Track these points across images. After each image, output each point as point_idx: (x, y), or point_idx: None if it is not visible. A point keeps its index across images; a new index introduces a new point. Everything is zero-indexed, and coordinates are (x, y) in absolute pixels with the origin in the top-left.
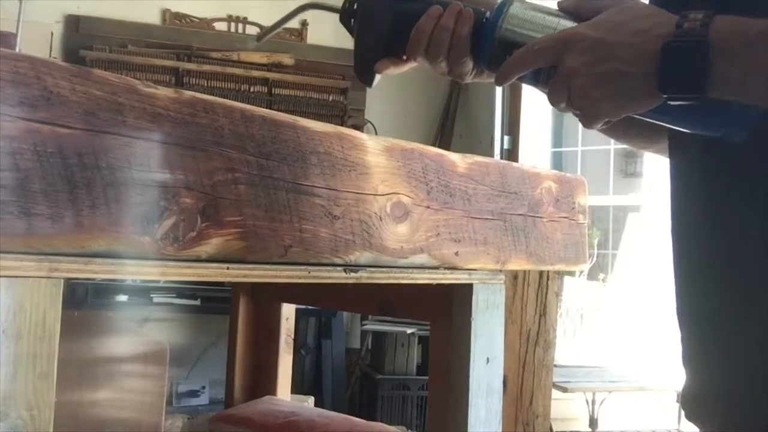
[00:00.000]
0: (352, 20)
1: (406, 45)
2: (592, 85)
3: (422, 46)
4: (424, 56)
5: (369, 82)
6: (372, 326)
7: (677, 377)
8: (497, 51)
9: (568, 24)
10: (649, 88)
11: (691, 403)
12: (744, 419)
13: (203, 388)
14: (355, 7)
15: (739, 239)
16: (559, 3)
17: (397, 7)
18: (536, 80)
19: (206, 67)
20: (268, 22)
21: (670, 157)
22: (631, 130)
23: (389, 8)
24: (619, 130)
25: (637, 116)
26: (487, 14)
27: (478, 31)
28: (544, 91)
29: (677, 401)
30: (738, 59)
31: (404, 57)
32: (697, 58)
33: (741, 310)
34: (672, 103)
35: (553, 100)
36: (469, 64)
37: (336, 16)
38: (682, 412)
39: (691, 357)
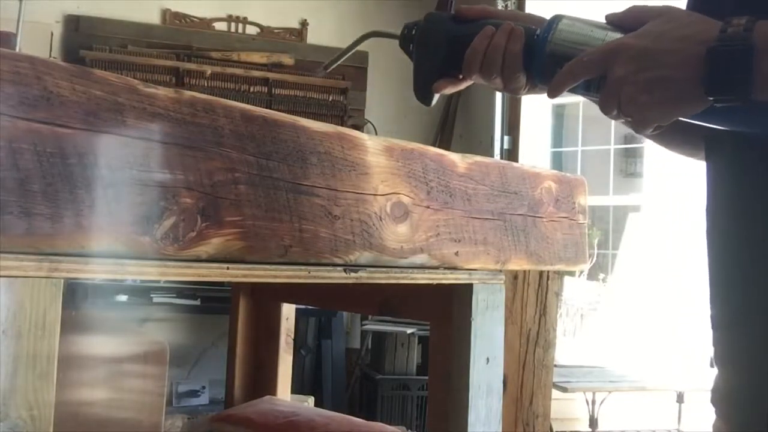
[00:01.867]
0: (411, 45)
1: (462, 65)
2: (640, 91)
3: (477, 65)
4: (479, 74)
5: (428, 102)
6: (372, 326)
7: (677, 377)
8: (549, 65)
9: (615, 36)
10: (696, 92)
11: (723, 402)
12: None
13: (203, 388)
14: (414, 32)
15: None
16: (606, 16)
17: (453, 30)
18: (587, 90)
19: (206, 67)
20: (268, 23)
21: (707, 159)
22: (677, 137)
23: (445, 32)
24: (666, 136)
25: (687, 120)
26: (538, 31)
27: (529, 47)
28: (596, 101)
29: (677, 401)
30: None
31: (460, 76)
32: (741, 61)
33: None
34: (717, 105)
35: (605, 109)
36: (523, 80)
37: (393, 42)
38: (713, 410)
39: (724, 358)
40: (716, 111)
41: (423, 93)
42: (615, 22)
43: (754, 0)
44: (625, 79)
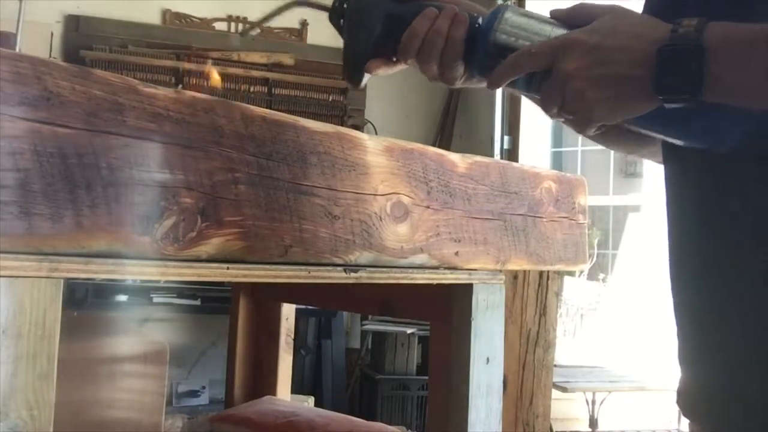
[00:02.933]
0: (341, 20)
1: (397, 46)
2: (589, 87)
3: (415, 48)
4: (415, 58)
5: (357, 82)
6: (372, 326)
7: (676, 377)
8: (491, 56)
9: (561, 32)
10: (645, 91)
11: (688, 399)
12: (739, 416)
13: (203, 388)
14: (345, 6)
15: (733, 243)
16: (551, 12)
17: (390, 8)
18: (528, 85)
19: (206, 67)
20: (268, 23)
21: (665, 162)
22: (621, 134)
23: (381, 8)
24: (611, 135)
25: (628, 126)
26: (480, 20)
27: (471, 35)
28: (535, 97)
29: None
30: (733, 63)
31: (394, 59)
32: (692, 61)
33: (734, 309)
34: (667, 105)
35: (546, 105)
36: (460, 69)
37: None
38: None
39: (687, 354)
40: (661, 117)
41: (353, 73)
42: (561, 18)
43: (712, 5)
44: (574, 74)
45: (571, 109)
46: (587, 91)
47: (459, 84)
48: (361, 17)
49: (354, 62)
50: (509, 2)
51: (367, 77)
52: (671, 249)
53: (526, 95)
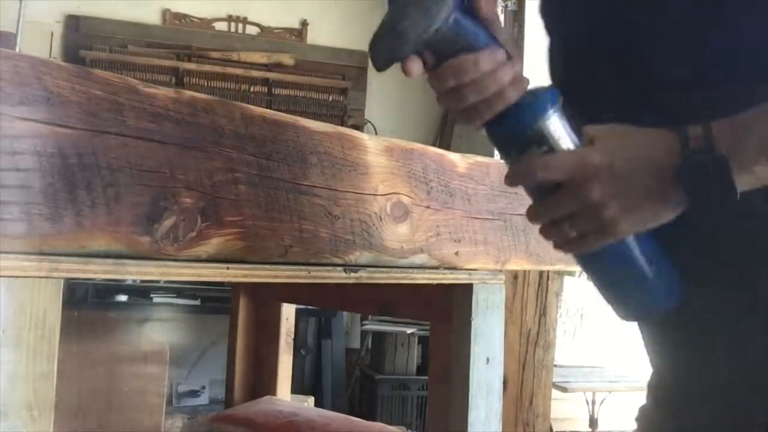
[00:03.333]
0: None
1: (445, 57)
2: (621, 213)
3: (465, 78)
4: (458, 84)
5: (384, 65)
6: (372, 326)
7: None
8: (515, 136)
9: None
10: (673, 203)
11: (660, 391)
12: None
13: (203, 388)
14: None
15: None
16: (586, 129)
17: (461, 15)
18: (533, 189)
19: (206, 67)
20: (268, 23)
21: None
22: None
23: (453, 7)
24: None
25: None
26: (530, 102)
27: (514, 107)
28: (533, 199)
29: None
30: (753, 156)
31: (430, 67)
32: (719, 175)
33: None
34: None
35: (546, 214)
36: (484, 121)
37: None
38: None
39: (655, 354)
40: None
41: (385, 53)
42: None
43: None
44: (604, 202)
45: (585, 228)
46: (620, 219)
47: (472, 126)
48: (430, 3)
49: (395, 47)
50: (508, 3)
51: (394, 65)
52: None
53: (529, 194)
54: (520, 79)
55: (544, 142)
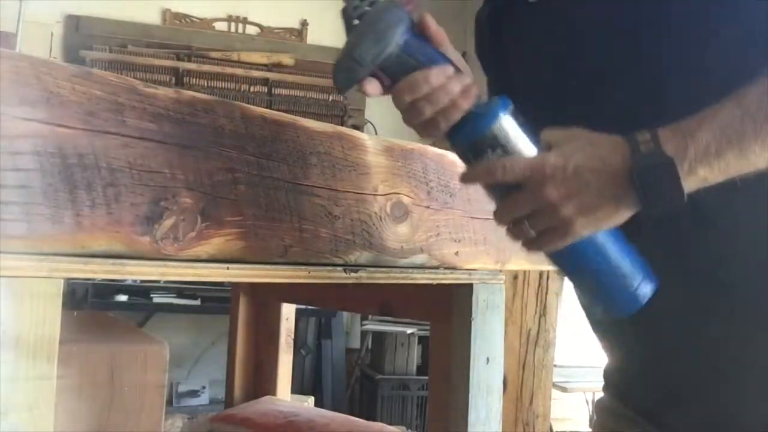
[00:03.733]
0: (357, 20)
1: (401, 77)
2: (577, 213)
3: (418, 93)
4: (414, 101)
5: (346, 88)
6: (372, 326)
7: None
8: (473, 143)
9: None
10: (627, 204)
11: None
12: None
13: (203, 388)
14: (365, 11)
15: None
16: (544, 133)
17: (411, 37)
18: (495, 191)
19: (206, 67)
20: (268, 23)
21: None
22: None
23: (403, 31)
24: None
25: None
26: (481, 109)
27: (469, 115)
28: (490, 196)
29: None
30: (698, 160)
31: (387, 85)
32: (667, 176)
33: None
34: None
35: (507, 214)
36: (441, 132)
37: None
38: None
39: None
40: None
41: (346, 77)
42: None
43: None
44: (560, 202)
45: (542, 226)
46: (575, 218)
47: (428, 139)
48: (382, 30)
49: (352, 71)
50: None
51: (355, 87)
52: None
53: (490, 194)
54: (470, 90)
55: (498, 145)
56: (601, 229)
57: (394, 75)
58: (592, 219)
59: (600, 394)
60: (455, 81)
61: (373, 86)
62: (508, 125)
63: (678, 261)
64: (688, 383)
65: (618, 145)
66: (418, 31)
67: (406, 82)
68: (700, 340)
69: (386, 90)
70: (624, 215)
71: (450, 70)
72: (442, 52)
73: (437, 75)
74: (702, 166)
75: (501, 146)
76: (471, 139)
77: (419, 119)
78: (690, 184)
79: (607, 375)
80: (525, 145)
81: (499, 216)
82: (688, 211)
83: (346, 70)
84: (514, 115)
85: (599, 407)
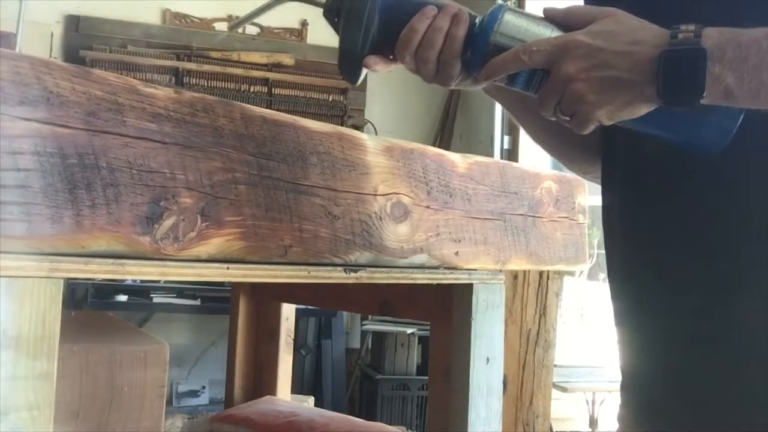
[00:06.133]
0: (337, 17)
1: (395, 44)
2: (590, 90)
3: (413, 45)
4: (413, 56)
5: (355, 79)
6: (372, 326)
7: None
8: (490, 56)
9: (559, 33)
10: (646, 94)
11: (631, 392)
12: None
13: (203, 388)
14: (341, 2)
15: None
16: (545, 10)
17: (388, 5)
18: (528, 84)
19: (206, 67)
20: (268, 23)
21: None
22: (576, 151)
23: (379, 5)
24: (575, 149)
25: (623, 125)
26: (479, 19)
27: (471, 35)
28: (531, 95)
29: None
30: (732, 64)
31: (391, 56)
32: (694, 65)
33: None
34: (668, 108)
35: (545, 104)
36: (458, 68)
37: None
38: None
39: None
40: (660, 118)
41: (350, 69)
42: (557, 19)
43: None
44: (575, 76)
45: (570, 110)
46: (588, 94)
47: (454, 85)
48: (358, 14)
49: (350, 59)
50: (509, 3)
51: (364, 73)
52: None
53: (524, 93)
54: (459, 17)
55: (516, 41)
56: (620, 119)
57: (391, 42)
58: (607, 101)
59: (601, 395)
60: (441, 16)
61: (373, 60)
62: (514, 21)
63: (701, 233)
64: (709, 378)
65: (658, 33)
66: None
67: (399, 43)
68: (724, 326)
69: (391, 59)
70: (643, 106)
71: (431, 10)
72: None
73: (419, 20)
74: (733, 73)
75: (518, 41)
76: (484, 54)
77: (431, 69)
78: (714, 89)
79: (626, 382)
80: (547, 32)
81: (541, 109)
82: (711, 180)
83: (346, 65)
84: (519, 13)
85: (619, 415)
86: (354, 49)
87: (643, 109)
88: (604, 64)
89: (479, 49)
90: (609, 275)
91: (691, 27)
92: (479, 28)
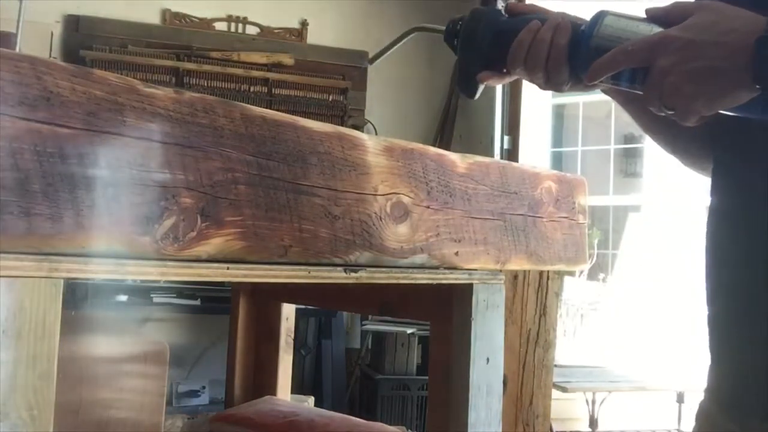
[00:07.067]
0: (455, 39)
1: (507, 58)
2: (685, 82)
3: (522, 57)
4: (523, 67)
5: (472, 94)
6: (372, 326)
7: (677, 377)
8: (593, 59)
9: (658, 30)
10: (742, 81)
11: (725, 397)
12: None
13: (203, 388)
14: (459, 26)
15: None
16: (647, 11)
17: (499, 24)
18: (632, 82)
19: (206, 67)
20: (267, 23)
21: (714, 175)
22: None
23: (491, 25)
24: (683, 144)
25: (728, 112)
26: (583, 26)
27: (575, 42)
28: (639, 93)
29: (677, 401)
30: None
31: (504, 70)
32: None
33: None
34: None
35: (648, 100)
36: (566, 74)
37: (438, 36)
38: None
39: (722, 358)
40: (758, 102)
41: (467, 85)
42: (659, 17)
43: None
44: (670, 70)
45: (670, 103)
46: (683, 86)
47: (566, 89)
48: (474, 35)
49: (467, 76)
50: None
51: (481, 88)
52: (711, 252)
53: (631, 91)
54: (561, 26)
55: (614, 43)
56: (721, 108)
57: (503, 57)
58: (703, 92)
59: (601, 395)
60: (545, 28)
61: (491, 78)
62: (614, 24)
63: None
64: None
65: (754, 20)
66: (510, 13)
67: (509, 57)
68: None
69: (504, 73)
70: (742, 94)
71: (535, 24)
72: (531, 15)
73: (525, 35)
74: None
75: (619, 43)
76: (587, 58)
77: (541, 78)
78: None
79: (712, 380)
80: (647, 31)
81: (647, 105)
82: None
83: (464, 82)
84: (620, 15)
85: (699, 413)
86: (470, 67)
87: (743, 97)
88: (697, 55)
89: (582, 53)
90: (713, 273)
91: None
92: (581, 34)
